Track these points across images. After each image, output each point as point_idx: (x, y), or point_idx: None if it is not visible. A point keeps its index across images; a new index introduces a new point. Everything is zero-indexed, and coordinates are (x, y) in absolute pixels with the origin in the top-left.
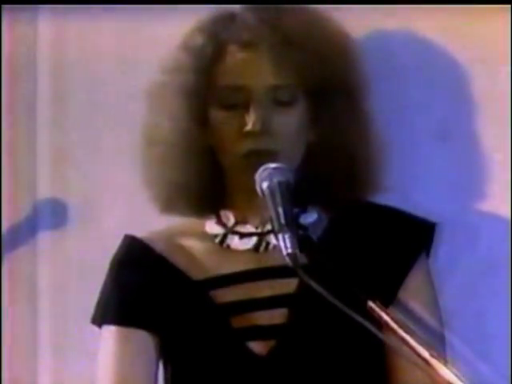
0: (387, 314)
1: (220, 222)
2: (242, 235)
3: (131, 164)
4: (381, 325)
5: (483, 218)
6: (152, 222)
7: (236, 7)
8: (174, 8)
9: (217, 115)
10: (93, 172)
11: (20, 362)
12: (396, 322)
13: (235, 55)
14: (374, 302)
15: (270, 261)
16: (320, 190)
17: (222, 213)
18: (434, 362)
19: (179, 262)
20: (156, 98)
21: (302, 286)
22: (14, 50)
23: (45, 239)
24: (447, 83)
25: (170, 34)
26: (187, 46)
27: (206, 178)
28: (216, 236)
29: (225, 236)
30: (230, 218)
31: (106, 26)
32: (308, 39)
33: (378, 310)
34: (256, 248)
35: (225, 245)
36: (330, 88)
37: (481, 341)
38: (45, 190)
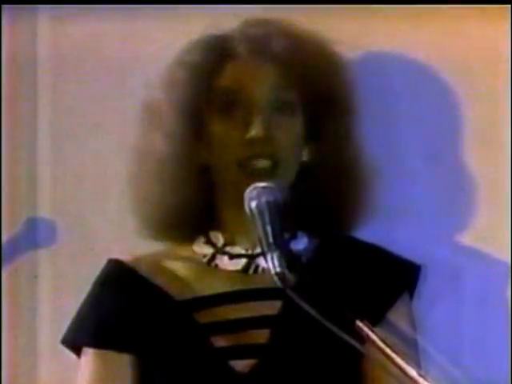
0: (374, 333)
1: (209, 242)
2: (232, 256)
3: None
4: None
5: (467, 254)
6: (142, 244)
7: (235, 23)
8: (174, 8)
9: (218, 123)
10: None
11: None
12: (383, 341)
13: (237, 63)
14: (362, 321)
15: (257, 283)
16: (310, 214)
17: (212, 234)
18: (421, 380)
19: (163, 283)
20: (151, 113)
21: (285, 307)
22: (13, 50)
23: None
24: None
25: (171, 34)
26: (184, 62)
27: (197, 198)
28: (204, 256)
29: (213, 255)
30: (219, 239)
31: (106, 26)
32: (308, 54)
33: (365, 329)
34: (245, 270)
35: (213, 264)
36: (326, 105)
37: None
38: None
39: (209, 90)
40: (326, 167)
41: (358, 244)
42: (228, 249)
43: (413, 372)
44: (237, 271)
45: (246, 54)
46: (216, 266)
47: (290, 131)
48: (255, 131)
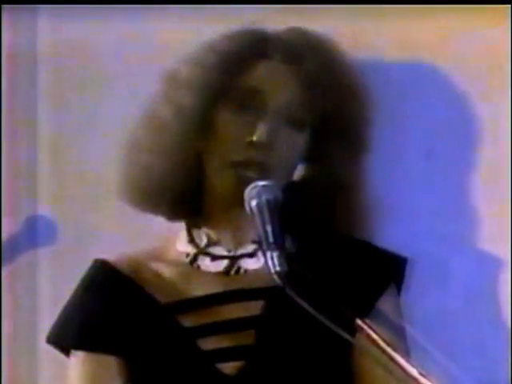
0: (375, 332)
1: (192, 241)
2: (214, 257)
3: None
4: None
5: (456, 251)
6: (142, 243)
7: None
8: (174, 8)
9: (226, 117)
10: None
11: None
12: (384, 340)
13: (267, 65)
14: (362, 319)
15: (239, 284)
16: (297, 222)
17: (195, 232)
18: (423, 379)
19: (147, 285)
20: (167, 84)
21: (268, 307)
22: (14, 50)
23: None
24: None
25: (171, 34)
26: (216, 49)
27: (189, 182)
28: (187, 255)
29: (196, 256)
30: (202, 239)
31: (106, 26)
32: (336, 81)
33: (366, 328)
34: (226, 272)
35: (195, 265)
36: (337, 134)
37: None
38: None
39: (233, 83)
40: (317, 189)
41: (344, 238)
42: (210, 249)
43: (414, 371)
44: (218, 273)
45: (279, 59)
46: (198, 267)
47: (293, 146)
48: (258, 136)
